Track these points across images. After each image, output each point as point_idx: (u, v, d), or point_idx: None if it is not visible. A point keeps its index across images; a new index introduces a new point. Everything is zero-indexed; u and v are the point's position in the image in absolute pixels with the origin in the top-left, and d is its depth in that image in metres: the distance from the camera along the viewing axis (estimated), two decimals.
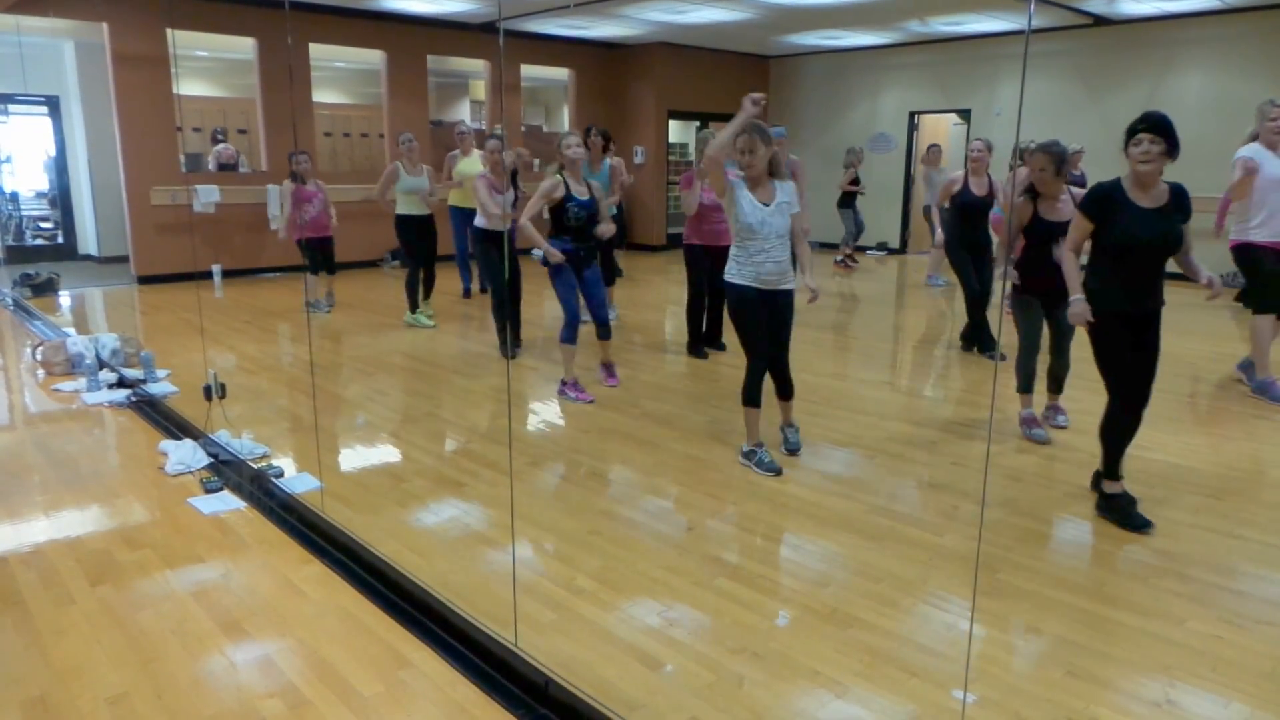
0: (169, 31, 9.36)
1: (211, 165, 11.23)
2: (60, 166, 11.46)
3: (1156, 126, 3.32)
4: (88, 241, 11.63)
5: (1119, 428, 3.55)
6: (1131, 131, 3.38)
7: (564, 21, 10.92)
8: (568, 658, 2.53)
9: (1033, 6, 9.39)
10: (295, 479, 3.93)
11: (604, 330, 5.45)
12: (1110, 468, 3.58)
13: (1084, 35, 10.69)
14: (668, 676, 2.46)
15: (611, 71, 13.18)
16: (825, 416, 4.91)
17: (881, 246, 12.86)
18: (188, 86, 12.37)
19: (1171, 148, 3.34)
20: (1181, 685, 2.42)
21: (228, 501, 3.72)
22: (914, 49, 12.40)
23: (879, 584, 3.00)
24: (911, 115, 12.68)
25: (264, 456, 4.21)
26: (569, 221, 5.13)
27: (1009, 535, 3.38)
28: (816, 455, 4.31)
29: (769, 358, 4.16)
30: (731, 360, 6.24)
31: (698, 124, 13.93)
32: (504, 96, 12.21)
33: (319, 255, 7.99)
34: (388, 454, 4.41)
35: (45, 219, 11.86)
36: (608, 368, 5.61)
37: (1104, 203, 3.45)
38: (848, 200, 10.96)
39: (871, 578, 3.04)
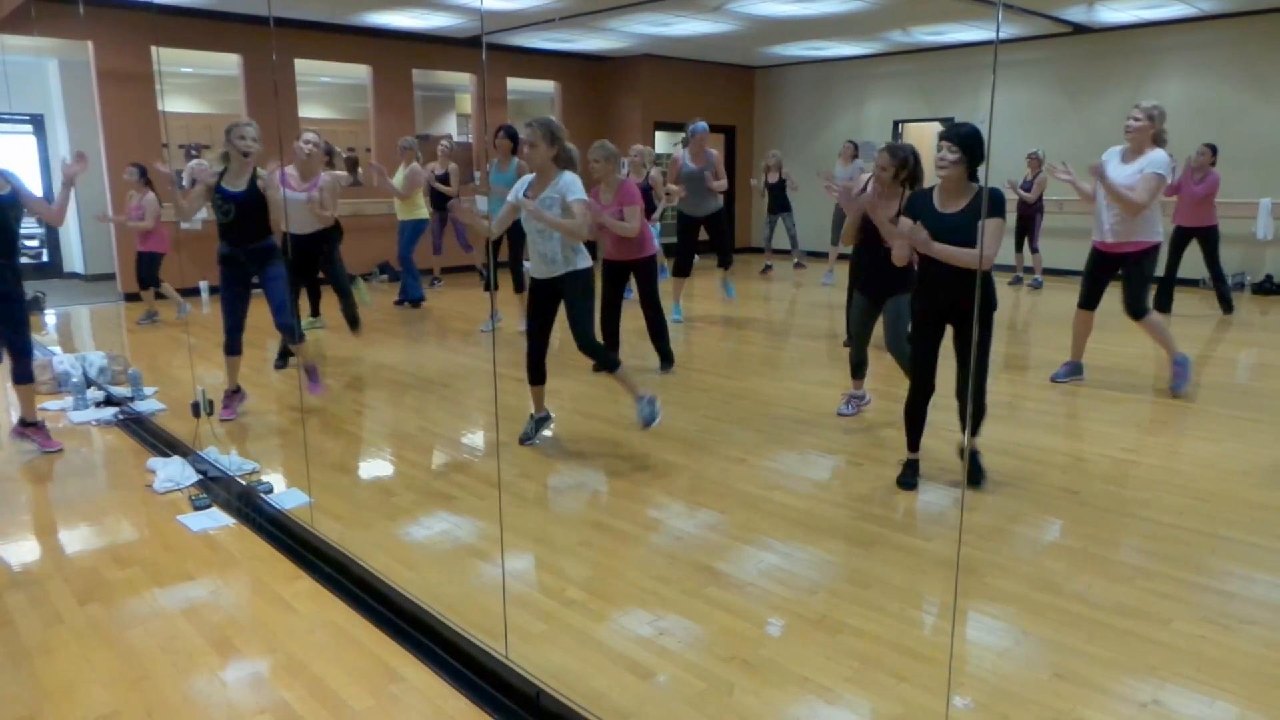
0: (154, 49, 9.36)
1: (185, 182, 11.19)
2: (45, 185, 11.41)
3: (953, 136, 3.55)
4: (73, 259, 11.58)
5: (911, 407, 3.92)
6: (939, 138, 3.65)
7: (549, 35, 10.98)
8: (558, 668, 2.54)
9: (1004, 15, 9.48)
10: (284, 495, 3.93)
11: (288, 335, 5.29)
12: (909, 441, 4.00)
13: (1064, 43, 10.81)
14: (658, 686, 2.47)
15: (597, 84, 13.24)
16: (813, 424, 4.94)
17: None
18: (173, 103, 12.35)
19: (967, 158, 3.52)
20: (1168, 685, 2.44)
21: (217, 518, 3.71)
22: (897, 59, 12.51)
23: (867, 590, 3.02)
24: (895, 124, 12.78)
25: (253, 473, 4.20)
26: (219, 217, 4.91)
27: (995, 539, 3.41)
28: (805, 462, 4.33)
29: (536, 340, 4.47)
30: (719, 371, 6.27)
31: (683, 135, 13.98)
32: (489, 110, 12.25)
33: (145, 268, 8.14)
34: (377, 468, 4.41)
35: (30, 237, 11.80)
36: (310, 372, 5.42)
37: (915, 205, 3.77)
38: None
39: (860, 584, 3.06)
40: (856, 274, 4.86)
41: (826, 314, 8.73)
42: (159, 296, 8.32)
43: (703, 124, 7.72)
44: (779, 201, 11.06)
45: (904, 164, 4.48)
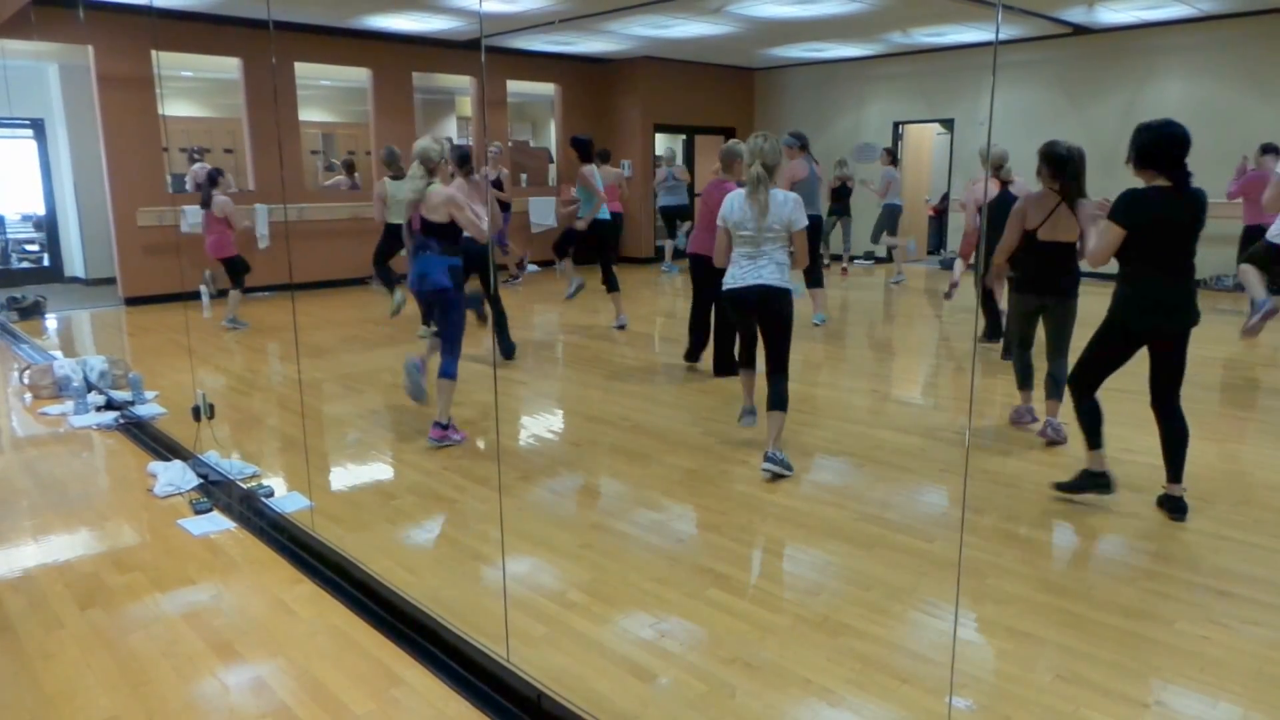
0: (154, 53, 9.37)
1: (189, 185, 11.21)
2: (46, 189, 11.43)
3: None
4: (74, 264, 11.59)
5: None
6: None
7: (549, 37, 10.98)
8: (560, 671, 2.54)
9: (1004, 16, 9.48)
10: (285, 498, 3.92)
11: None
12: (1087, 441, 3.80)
13: (1064, 44, 10.81)
14: (660, 688, 2.47)
15: (597, 86, 13.24)
16: (815, 425, 4.93)
17: (869, 256, 12.93)
18: (173, 107, 12.36)
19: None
20: (1170, 686, 2.44)
21: (217, 522, 3.71)
22: (897, 60, 12.50)
23: (869, 591, 3.01)
24: (896, 125, 12.78)
25: (254, 476, 4.20)
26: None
27: (997, 540, 3.40)
28: (807, 464, 4.32)
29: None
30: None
31: (684, 137, 14.00)
32: (489, 112, 12.25)
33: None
34: (378, 471, 4.41)
35: (30, 241, 11.81)
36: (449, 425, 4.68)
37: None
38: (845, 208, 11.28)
39: (862, 585, 3.06)
40: (1022, 276, 4.47)
41: (833, 315, 8.73)
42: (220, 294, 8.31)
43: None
44: (842, 205, 11.23)
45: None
